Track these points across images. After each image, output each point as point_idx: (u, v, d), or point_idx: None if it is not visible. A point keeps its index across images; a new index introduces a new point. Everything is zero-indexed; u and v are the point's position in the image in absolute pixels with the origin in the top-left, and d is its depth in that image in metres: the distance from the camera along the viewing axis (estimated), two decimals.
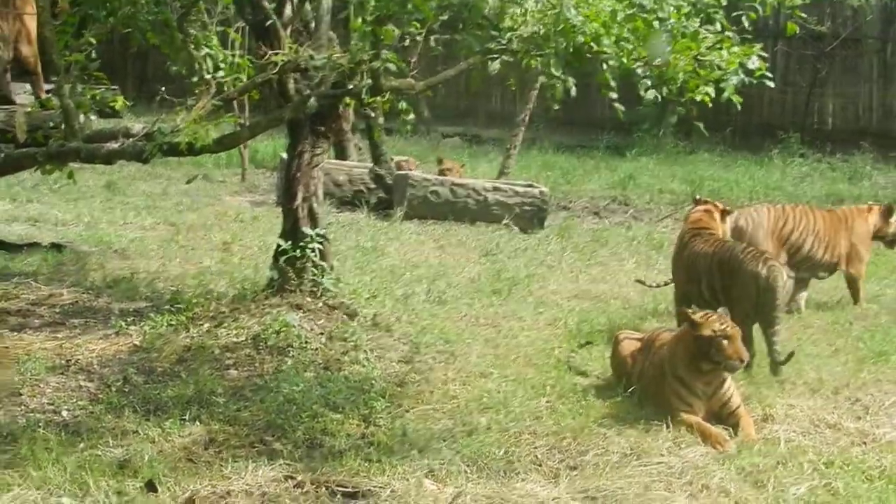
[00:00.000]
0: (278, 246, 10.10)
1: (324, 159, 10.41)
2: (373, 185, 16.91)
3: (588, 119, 24.38)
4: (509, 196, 16.08)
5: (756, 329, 9.22)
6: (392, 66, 8.57)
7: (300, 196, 10.16)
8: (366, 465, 7.10)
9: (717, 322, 8.01)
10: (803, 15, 8.60)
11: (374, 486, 6.75)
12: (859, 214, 12.27)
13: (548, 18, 7.70)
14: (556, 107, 8.61)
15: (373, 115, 14.53)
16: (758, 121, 24.10)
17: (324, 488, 6.71)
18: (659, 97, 8.09)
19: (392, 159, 17.59)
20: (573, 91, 7.98)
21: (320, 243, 10.14)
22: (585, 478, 7.03)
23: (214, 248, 13.18)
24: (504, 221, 15.58)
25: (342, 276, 10.98)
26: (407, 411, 8.11)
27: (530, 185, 16.50)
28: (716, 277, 9.54)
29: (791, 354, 9.04)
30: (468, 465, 7.15)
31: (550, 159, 21.70)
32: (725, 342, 7.91)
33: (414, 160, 18.06)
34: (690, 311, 8.20)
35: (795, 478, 7.03)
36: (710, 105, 8.19)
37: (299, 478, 6.78)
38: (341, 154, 17.88)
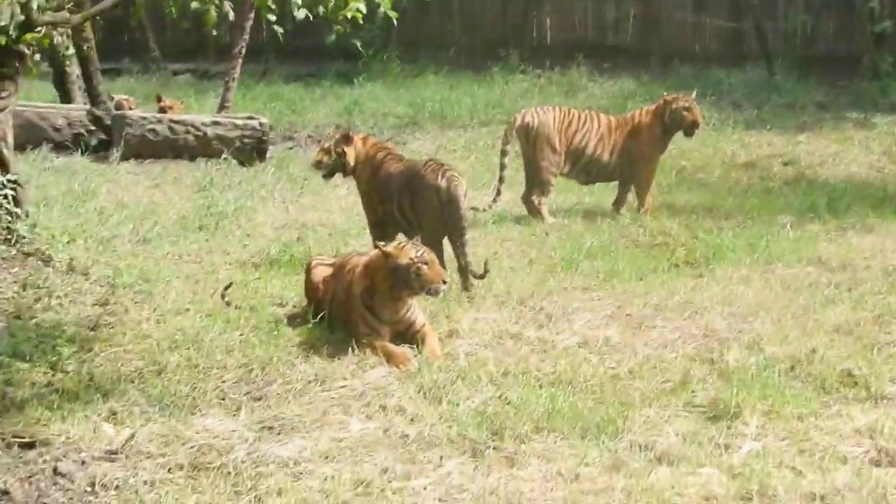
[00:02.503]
0: None
1: (11, 103, 10.09)
2: (92, 128, 16.50)
3: (317, 47, 24.26)
4: (229, 130, 15.93)
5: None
6: (42, 1, 8.24)
7: None
8: (48, 413, 7.01)
9: (412, 250, 8.12)
10: None
11: (52, 434, 6.69)
12: (642, 116, 12.64)
13: None
14: (283, 33, 8.41)
15: (67, 51, 13.67)
16: (480, 39, 24.32)
17: None
18: (311, 16, 7.95)
19: (111, 98, 17.25)
20: (231, 15, 7.86)
21: (13, 189, 9.89)
22: (267, 408, 7.09)
23: None
24: (223, 156, 15.44)
25: (46, 222, 10.78)
26: (97, 355, 8.00)
27: (250, 118, 16.34)
28: (404, 196, 9.67)
29: (486, 264, 9.23)
30: (152, 405, 7.13)
31: (278, 90, 21.52)
32: (425, 267, 8.03)
33: (132, 99, 17.70)
34: (382, 244, 8.32)
35: (471, 391, 7.22)
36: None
37: None
38: (66, 97, 17.42)
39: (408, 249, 8.14)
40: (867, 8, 21.34)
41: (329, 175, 10.42)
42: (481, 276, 9.22)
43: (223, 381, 7.53)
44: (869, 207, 12.26)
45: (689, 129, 12.68)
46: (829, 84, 21.06)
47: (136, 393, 7.30)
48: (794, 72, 21.19)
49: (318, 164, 10.37)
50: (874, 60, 20.99)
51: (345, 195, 13.03)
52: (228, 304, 8.97)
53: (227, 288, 9.16)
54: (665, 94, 12.89)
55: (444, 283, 8.16)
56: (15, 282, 9.30)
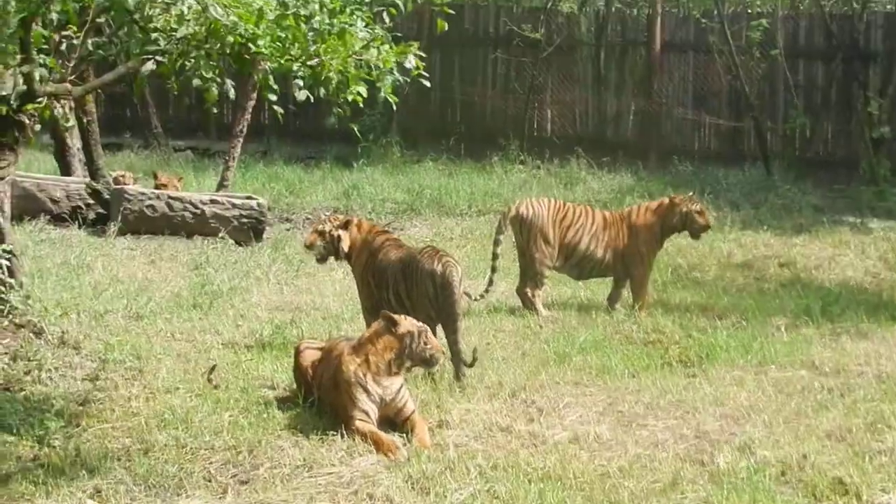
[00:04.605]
0: None
1: (9, 172, 10.10)
2: (91, 201, 16.52)
3: (318, 130, 24.39)
4: (226, 209, 15.95)
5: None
6: (45, 72, 8.24)
7: None
8: (33, 488, 6.98)
9: (414, 320, 8.27)
10: (451, 11, 8.51)
11: None
12: (641, 213, 12.62)
13: (203, 19, 7.43)
14: (280, 115, 8.47)
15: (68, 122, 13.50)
16: (480, 129, 24.34)
17: None
18: (311, 98, 7.92)
19: (110, 174, 17.31)
20: (231, 94, 7.81)
21: (7, 260, 9.88)
22: (253, 492, 7.05)
23: None
24: (220, 235, 15.44)
25: (40, 294, 10.79)
26: (85, 430, 7.99)
27: (248, 198, 16.38)
28: (400, 282, 9.70)
29: (475, 352, 9.21)
30: (138, 484, 7.10)
31: (278, 171, 21.54)
32: (430, 335, 8.15)
33: (131, 174, 17.74)
34: (388, 313, 8.34)
35: (460, 483, 7.17)
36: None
37: None
38: (66, 170, 17.46)
39: (411, 319, 8.31)
40: (866, 113, 21.47)
41: (322, 259, 10.44)
42: (470, 365, 9.20)
43: (210, 463, 7.50)
44: (864, 313, 12.20)
45: (699, 232, 12.70)
46: (827, 187, 21.11)
47: (122, 471, 7.27)
48: (791, 173, 21.24)
49: (310, 246, 10.39)
50: (872, 165, 21.03)
51: (340, 279, 13.01)
52: (216, 386, 8.94)
53: (211, 371, 9.14)
54: (672, 194, 12.86)
55: (444, 353, 8.32)
56: (5, 353, 9.30)
